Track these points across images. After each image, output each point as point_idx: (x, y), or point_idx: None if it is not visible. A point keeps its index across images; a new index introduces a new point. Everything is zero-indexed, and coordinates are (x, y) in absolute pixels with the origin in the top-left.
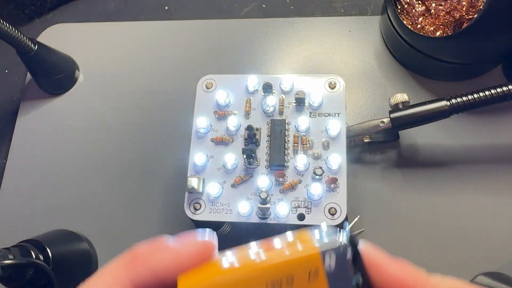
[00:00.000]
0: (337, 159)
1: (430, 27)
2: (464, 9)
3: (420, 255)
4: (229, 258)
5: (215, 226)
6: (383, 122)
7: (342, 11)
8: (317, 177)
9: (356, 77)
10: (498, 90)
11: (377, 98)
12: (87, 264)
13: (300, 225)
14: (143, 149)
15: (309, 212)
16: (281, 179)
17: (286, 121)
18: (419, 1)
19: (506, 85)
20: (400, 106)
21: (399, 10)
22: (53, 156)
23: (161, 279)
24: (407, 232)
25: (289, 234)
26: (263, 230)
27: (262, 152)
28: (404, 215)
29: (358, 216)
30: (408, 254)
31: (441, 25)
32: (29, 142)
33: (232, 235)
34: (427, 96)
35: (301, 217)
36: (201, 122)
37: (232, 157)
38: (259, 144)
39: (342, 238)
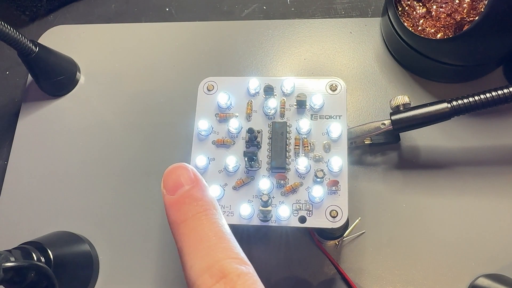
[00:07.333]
0: (338, 161)
1: (431, 29)
2: (465, 11)
3: (421, 256)
4: None
5: None
6: (384, 124)
7: (343, 12)
8: (318, 179)
9: (357, 79)
10: (499, 92)
11: (378, 100)
12: (89, 265)
13: (301, 227)
14: (144, 151)
15: (310, 215)
16: (282, 182)
17: (288, 124)
18: (420, 3)
19: (507, 87)
20: (401, 108)
21: (400, 12)
22: (54, 157)
23: None
24: (408, 233)
25: None
26: (265, 233)
27: (263, 154)
28: (405, 217)
29: (359, 218)
30: (409, 255)
31: (442, 27)
32: (30, 144)
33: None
34: (428, 98)
35: (302, 219)
36: (203, 124)
37: (233, 160)
38: (260, 146)
39: None
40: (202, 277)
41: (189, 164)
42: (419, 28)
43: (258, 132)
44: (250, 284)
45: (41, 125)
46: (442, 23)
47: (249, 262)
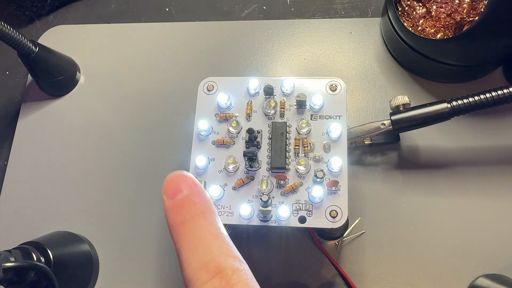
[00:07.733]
0: (338, 161)
1: (431, 29)
2: (465, 11)
3: (421, 256)
4: None
5: None
6: (384, 124)
7: (343, 13)
8: (318, 179)
9: (357, 79)
10: (499, 92)
11: (378, 100)
12: (88, 265)
13: (301, 228)
14: (144, 151)
15: (310, 215)
16: (282, 182)
17: (287, 124)
18: (419, 3)
19: (507, 87)
20: (401, 108)
21: (399, 12)
22: (53, 157)
23: None
24: (408, 234)
25: None
26: (264, 233)
27: (263, 154)
28: (405, 217)
29: (359, 218)
30: (408, 256)
31: (442, 27)
32: (30, 144)
33: (233, 238)
34: (428, 98)
35: (302, 219)
36: (202, 124)
37: (233, 160)
38: (260, 146)
39: None
40: (199, 273)
41: (189, 164)
42: (419, 28)
43: (258, 132)
44: (244, 279)
45: (41, 125)
46: (442, 23)
47: (244, 260)
